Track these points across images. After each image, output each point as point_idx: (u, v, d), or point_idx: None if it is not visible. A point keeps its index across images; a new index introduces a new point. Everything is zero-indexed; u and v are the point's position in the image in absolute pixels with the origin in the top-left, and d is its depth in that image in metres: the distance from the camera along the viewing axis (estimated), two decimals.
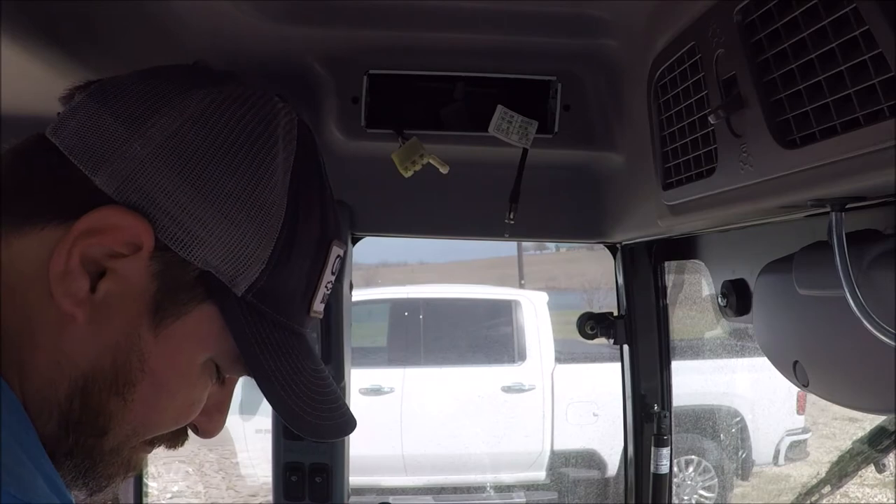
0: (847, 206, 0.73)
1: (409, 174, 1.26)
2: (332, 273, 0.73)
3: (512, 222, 1.28)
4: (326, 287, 0.73)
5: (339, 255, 0.74)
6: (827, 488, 1.97)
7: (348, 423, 0.74)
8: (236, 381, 0.74)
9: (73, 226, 0.61)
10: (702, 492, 5.44)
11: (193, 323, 0.65)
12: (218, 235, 0.64)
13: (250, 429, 5.59)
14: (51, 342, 0.62)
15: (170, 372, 0.66)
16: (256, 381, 0.68)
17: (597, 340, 1.68)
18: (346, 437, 1.53)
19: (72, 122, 0.65)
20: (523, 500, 5.68)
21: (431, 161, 1.26)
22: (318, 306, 0.73)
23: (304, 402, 0.69)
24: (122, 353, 0.63)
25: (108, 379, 0.63)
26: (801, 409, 5.51)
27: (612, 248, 1.62)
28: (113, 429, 0.65)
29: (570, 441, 5.72)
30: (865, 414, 0.99)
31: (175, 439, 0.73)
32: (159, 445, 0.72)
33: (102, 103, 0.65)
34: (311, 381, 0.71)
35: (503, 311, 6.06)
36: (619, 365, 1.68)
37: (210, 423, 0.73)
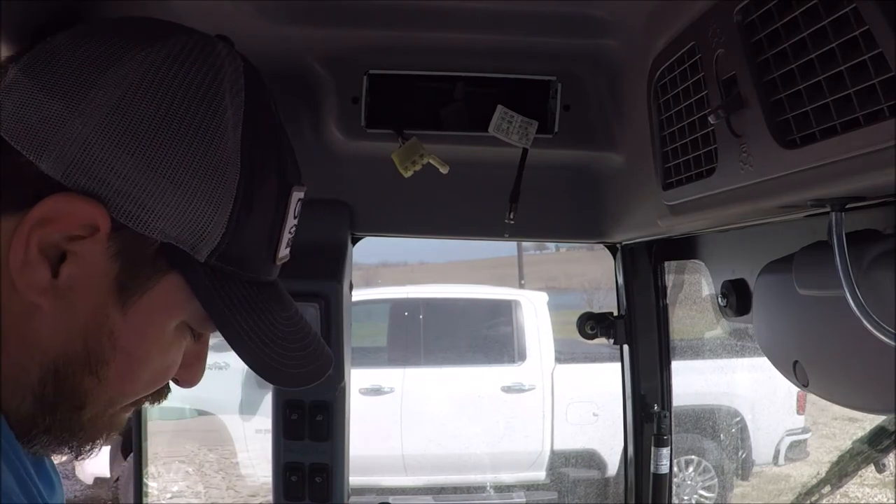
0: (847, 206, 0.73)
1: (409, 174, 1.26)
2: (295, 217, 0.72)
3: (512, 222, 1.28)
4: (290, 232, 0.72)
5: (299, 199, 0.72)
6: (827, 488, 1.97)
7: (325, 363, 0.74)
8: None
9: (27, 216, 0.60)
10: (702, 492, 5.44)
11: (160, 294, 0.65)
12: (174, 206, 0.63)
13: (250, 429, 5.59)
14: (18, 331, 0.61)
15: (141, 344, 0.66)
16: (228, 342, 0.67)
17: (597, 340, 1.68)
18: (345, 438, 1.53)
19: (8, 103, 0.63)
20: (523, 500, 5.68)
21: (431, 161, 1.26)
22: (283, 252, 0.72)
23: (278, 353, 0.69)
24: (92, 335, 0.63)
25: (80, 361, 0.63)
26: (801, 409, 5.51)
27: (612, 248, 1.62)
28: (90, 403, 0.65)
29: (570, 441, 5.72)
30: (865, 414, 0.99)
31: (157, 396, 0.73)
32: (141, 405, 0.73)
33: (35, 79, 0.63)
34: (284, 331, 0.70)
35: (503, 311, 6.06)
36: (619, 365, 1.68)
37: (189, 373, 0.73)
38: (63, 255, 0.61)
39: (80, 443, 0.67)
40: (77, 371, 0.63)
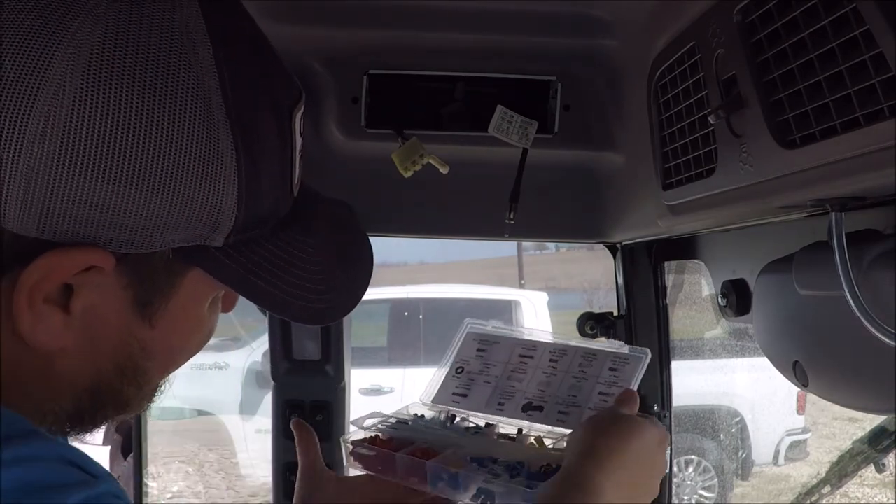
0: (847, 206, 0.73)
1: (409, 174, 1.26)
2: (301, 135, 0.66)
3: (512, 222, 1.28)
4: (299, 153, 0.66)
5: (301, 115, 0.66)
6: (827, 488, 1.97)
7: (360, 285, 0.71)
8: None
9: (19, 281, 0.53)
10: (702, 492, 5.43)
11: (184, 294, 0.61)
12: (174, 216, 0.56)
13: (250, 429, 5.59)
14: (41, 383, 0.57)
15: (179, 339, 0.64)
16: (259, 306, 0.65)
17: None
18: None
19: None
20: None
21: (431, 161, 1.26)
22: (296, 181, 0.67)
23: (309, 294, 0.65)
24: (122, 356, 0.61)
25: (114, 381, 0.61)
26: (801, 409, 5.51)
27: (612, 248, 1.62)
28: (132, 402, 0.64)
29: None
30: (865, 414, 0.99)
31: None
32: None
33: None
34: (309, 272, 0.66)
35: (503, 311, 6.06)
36: None
37: (228, 303, 0.71)
38: (70, 289, 0.56)
39: (129, 412, 0.66)
40: (114, 388, 0.61)
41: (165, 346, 0.63)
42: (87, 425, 0.62)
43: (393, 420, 1.03)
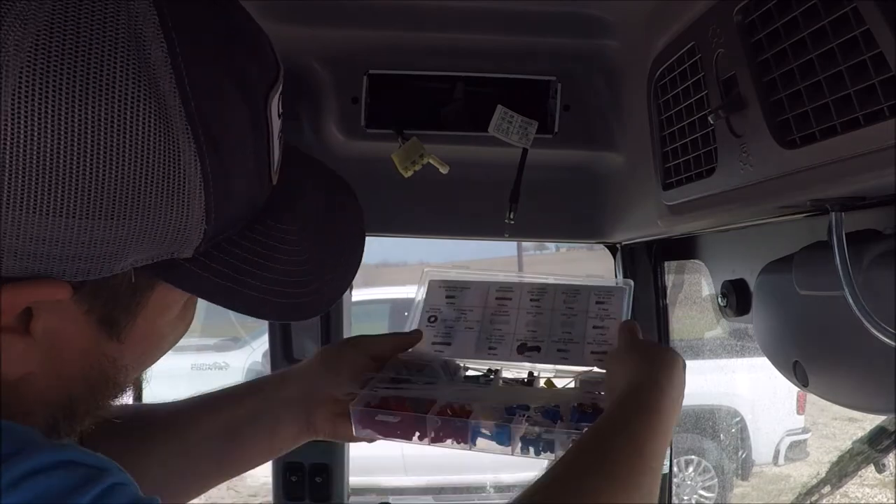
0: (847, 206, 0.73)
1: (409, 174, 1.26)
2: (280, 117, 0.61)
3: (512, 222, 1.28)
4: (279, 138, 0.60)
5: (278, 96, 0.60)
6: (827, 488, 1.97)
7: (349, 270, 0.67)
8: None
9: None
10: (702, 492, 5.43)
11: (153, 307, 0.57)
12: (132, 241, 0.51)
13: None
14: (13, 407, 0.53)
15: (150, 346, 0.61)
16: (237, 312, 0.60)
17: None
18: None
19: None
20: None
21: (431, 161, 1.26)
22: (277, 161, 0.61)
23: (289, 288, 0.61)
24: (93, 373, 0.57)
25: (87, 395, 0.58)
26: (801, 409, 5.51)
27: (612, 248, 1.62)
28: (109, 403, 0.61)
29: None
30: (865, 414, 0.99)
31: None
32: None
33: None
34: (291, 263, 0.61)
35: None
36: None
37: None
38: (30, 311, 0.51)
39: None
40: (88, 401, 0.59)
41: (137, 355, 0.60)
42: (62, 435, 0.60)
43: (388, 379, 0.98)
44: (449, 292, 1.10)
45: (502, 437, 0.89)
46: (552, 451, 0.88)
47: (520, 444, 0.89)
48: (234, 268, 0.57)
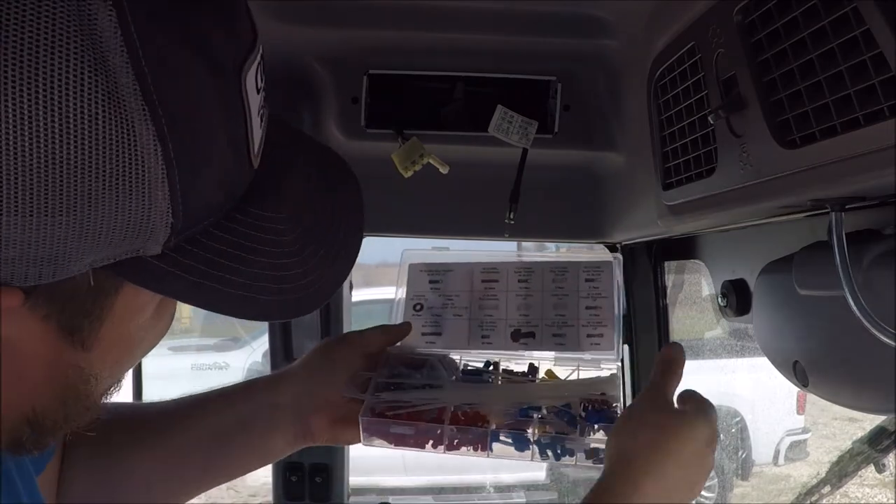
0: (847, 206, 0.73)
1: (409, 174, 1.26)
2: (259, 92, 0.54)
3: (512, 222, 1.28)
4: (259, 115, 0.54)
5: (256, 67, 0.53)
6: (827, 488, 1.97)
7: (344, 264, 0.61)
8: None
9: None
10: (702, 491, 5.44)
11: (120, 311, 0.52)
12: (85, 239, 0.45)
13: None
14: None
15: (121, 353, 0.56)
16: (216, 312, 0.54)
17: None
18: None
19: None
20: (523, 500, 5.68)
21: (431, 161, 1.26)
22: (258, 148, 0.55)
23: (277, 284, 0.55)
24: (58, 384, 0.53)
25: (55, 408, 0.54)
26: (801, 409, 5.51)
27: (612, 248, 1.62)
28: (81, 415, 0.57)
29: None
30: (865, 414, 0.99)
31: None
32: None
33: None
34: (278, 255, 0.55)
35: None
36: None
37: None
38: None
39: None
40: (56, 413, 0.55)
41: (108, 363, 0.55)
42: (30, 450, 0.57)
43: (388, 379, 0.94)
44: (432, 277, 1.05)
45: (524, 445, 0.87)
46: (571, 456, 0.86)
47: (538, 449, 0.87)
48: (210, 263, 0.51)
